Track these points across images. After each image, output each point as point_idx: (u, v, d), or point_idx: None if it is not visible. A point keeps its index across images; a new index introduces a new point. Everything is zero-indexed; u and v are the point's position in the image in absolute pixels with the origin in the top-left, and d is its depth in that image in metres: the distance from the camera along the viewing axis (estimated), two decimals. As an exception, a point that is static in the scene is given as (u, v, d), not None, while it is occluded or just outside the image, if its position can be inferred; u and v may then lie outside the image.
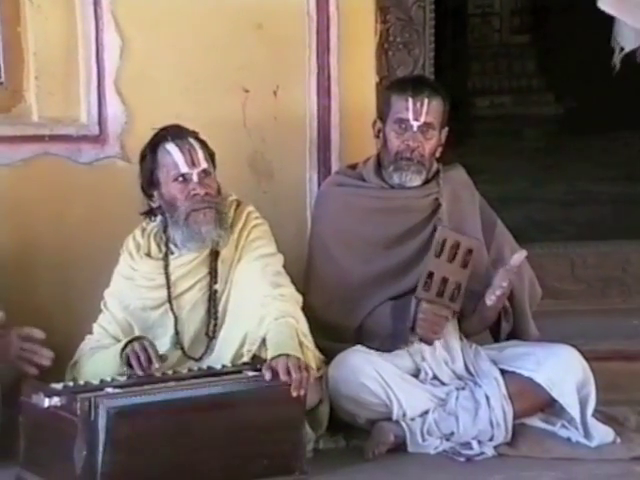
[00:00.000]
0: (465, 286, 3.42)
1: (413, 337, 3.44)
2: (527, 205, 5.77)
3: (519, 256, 3.42)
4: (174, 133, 3.35)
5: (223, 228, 3.33)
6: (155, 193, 3.38)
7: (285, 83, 3.93)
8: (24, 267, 3.79)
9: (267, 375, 3.05)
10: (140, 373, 3.10)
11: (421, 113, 3.51)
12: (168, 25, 3.86)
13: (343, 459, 3.32)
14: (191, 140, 3.34)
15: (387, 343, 3.45)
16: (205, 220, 3.30)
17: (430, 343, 3.45)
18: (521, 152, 7.30)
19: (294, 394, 3.02)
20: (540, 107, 8.79)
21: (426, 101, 3.51)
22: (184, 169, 3.31)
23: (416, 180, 3.55)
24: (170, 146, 3.33)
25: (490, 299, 3.41)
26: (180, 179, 3.32)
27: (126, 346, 3.19)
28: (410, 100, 3.51)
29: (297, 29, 3.92)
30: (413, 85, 3.56)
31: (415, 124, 3.51)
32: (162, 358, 3.18)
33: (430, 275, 3.41)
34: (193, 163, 3.32)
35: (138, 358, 3.13)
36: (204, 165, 3.33)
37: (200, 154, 3.33)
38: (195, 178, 3.31)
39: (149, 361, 3.13)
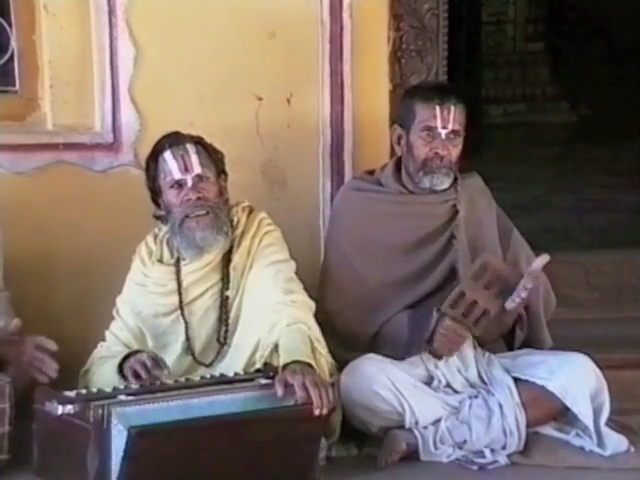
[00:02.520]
0: (493, 315, 3.40)
1: (426, 349, 3.43)
2: (541, 213, 5.76)
3: (542, 260, 3.40)
4: (171, 140, 3.36)
5: (222, 233, 3.33)
6: (160, 201, 3.40)
7: (298, 91, 3.94)
8: (38, 274, 3.80)
9: (280, 391, 3.01)
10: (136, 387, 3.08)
11: (449, 120, 3.50)
12: (182, 33, 3.87)
13: (355, 467, 3.31)
14: (187, 146, 3.35)
15: (400, 352, 3.44)
16: (199, 227, 3.30)
17: (440, 358, 3.45)
18: (535, 160, 7.29)
19: (316, 412, 2.99)
20: (554, 115, 8.80)
21: (452, 108, 3.51)
22: (177, 175, 3.32)
23: (445, 183, 3.55)
24: (167, 154, 3.34)
25: (513, 301, 3.39)
26: (175, 185, 3.33)
27: (125, 360, 3.19)
28: (437, 108, 3.50)
29: (310, 37, 3.93)
30: (439, 93, 3.55)
31: (443, 132, 3.51)
32: (163, 366, 3.16)
33: (461, 295, 3.38)
34: (186, 169, 3.32)
35: (135, 373, 3.12)
36: (198, 170, 3.33)
37: (194, 159, 3.33)
38: (189, 183, 3.32)
39: (148, 373, 3.11)
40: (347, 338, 3.48)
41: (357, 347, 3.48)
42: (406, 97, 3.66)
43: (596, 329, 4.21)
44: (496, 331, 3.58)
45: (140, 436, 2.79)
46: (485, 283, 3.38)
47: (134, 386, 3.08)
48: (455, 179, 3.62)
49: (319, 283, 3.62)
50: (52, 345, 3.15)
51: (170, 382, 3.11)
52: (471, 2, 8.58)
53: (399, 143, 3.62)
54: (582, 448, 3.41)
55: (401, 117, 3.63)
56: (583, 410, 3.38)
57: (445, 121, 3.51)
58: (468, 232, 3.58)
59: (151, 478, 2.85)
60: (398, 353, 3.44)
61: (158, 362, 3.15)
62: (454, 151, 3.55)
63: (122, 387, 3.06)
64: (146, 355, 3.17)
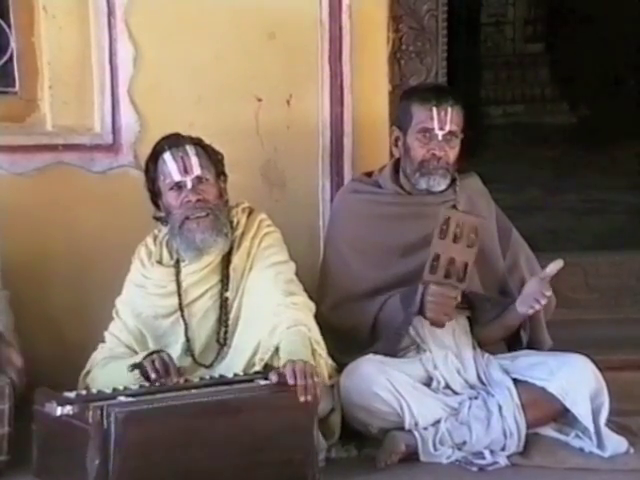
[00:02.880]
0: (472, 265, 3.40)
1: (410, 322, 3.42)
2: (540, 214, 5.76)
3: (555, 265, 3.40)
4: (171, 142, 3.37)
5: (222, 234, 3.33)
6: (160, 203, 3.40)
7: (298, 92, 3.94)
8: (37, 276, 3.79)
9: (273, 378, 3.04)
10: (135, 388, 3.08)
11: (446, 122, 3.51)
12: (181, 35, 3.87)
13: (355, 468, 3.32)
14: (187, 147, 3.35)
15: (392, 336, 3.43)
16: (199, 229, 3.31)
17: (442, 325, 3.44)
18: (535, 161, 7.28)
19: (301, 399, 3.01)
20: (554, 116, 8.78)
21: (449, 110, 3.51)
22: (177, 177, 3.33)
23: (442, 184, 3.56)
24: (166, 155, 3.34)
25: (532, 307, 3.40)
26: (175, 187, 3.34)
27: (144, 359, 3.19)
28: (434, 109, 3.51)
29: (310, 38, 3.93)
30: (436, 94, 3.55)
31: (440, 133, 3.51)
32: (179, 371, 3.17)
33: (436, 257, 3.39)
34: (186, 171, 3.32)
35: (157, 371, 3.12)
36: (197, 172, 3.33)
37: (194, 161, 3.33)
38: (189, 185, 3.32)
39: (167, 374, 3.12)
40: (346, 336, 3.48)
41: (357, 341, 3.47)
42: (403, 99, 3.67)
43: (595, 330, 4.21)
44: (502, 334, 3.58)
45: (128, 422, 2.80)
46: (453, 237, 3.38)
47: (133, 387, 3.08)
48: (454, 180, 3.62)
49: (318, 284, 3.63)
50: (17, 361, 3.25)
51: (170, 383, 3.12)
52: (470, 3, 8.58)
53: (397, 145, 3.62)
54: (582, 449, 3.41)
55: (398, 119, 3.64)
56: (583, 411, 3.38)
57: (442, 122, 3.51)
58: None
59: (143, 469, 2.87)
60: (389, 340, 3.43)
61: (169, 369, 3.14)
62: (451, 152, 3.55)
63: (121, 388, 3.06)
64: (161, 360, 3.15)
